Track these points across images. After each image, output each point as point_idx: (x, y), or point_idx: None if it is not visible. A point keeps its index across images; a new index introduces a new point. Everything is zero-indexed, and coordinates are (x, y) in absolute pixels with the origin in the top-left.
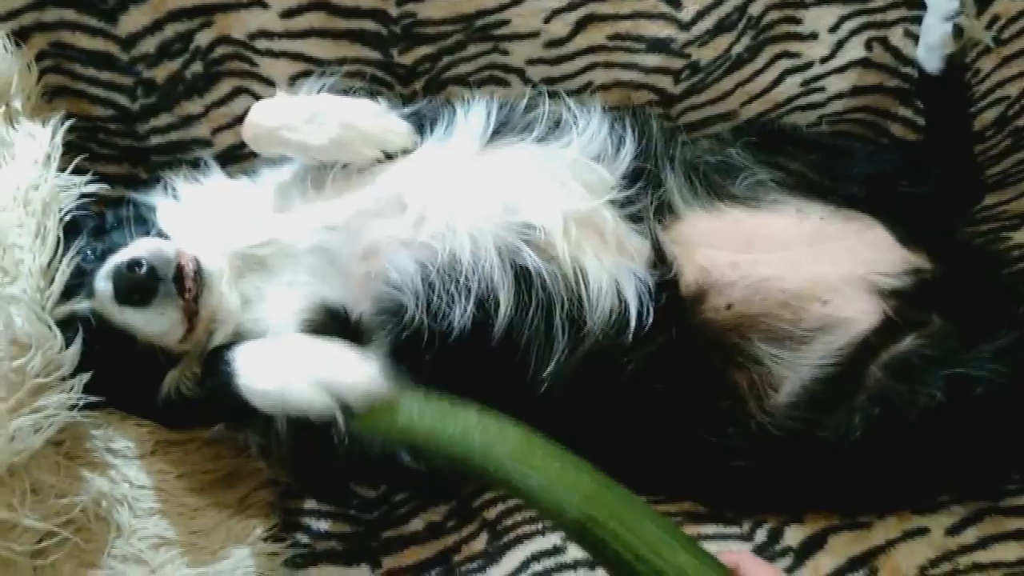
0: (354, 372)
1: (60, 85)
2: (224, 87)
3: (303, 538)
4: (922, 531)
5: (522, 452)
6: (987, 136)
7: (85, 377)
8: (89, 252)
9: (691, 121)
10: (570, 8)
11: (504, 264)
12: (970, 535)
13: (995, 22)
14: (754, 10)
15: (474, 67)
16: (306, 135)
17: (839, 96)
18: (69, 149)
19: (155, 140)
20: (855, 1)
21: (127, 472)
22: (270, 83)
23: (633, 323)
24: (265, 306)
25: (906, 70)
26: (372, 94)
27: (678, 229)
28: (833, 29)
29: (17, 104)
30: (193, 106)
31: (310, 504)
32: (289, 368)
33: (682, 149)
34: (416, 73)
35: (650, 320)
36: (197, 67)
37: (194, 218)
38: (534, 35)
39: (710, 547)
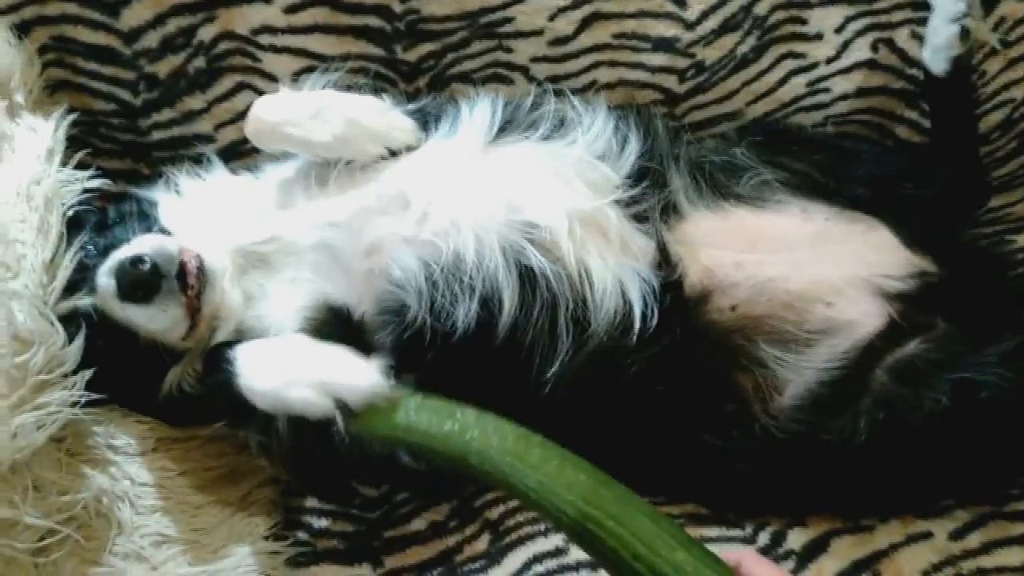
0: (355, 374)
1: (62, 79)
2: (227, 82)
3: (305, 536)
4: (925, 535)
5: (519, 451)
6: (992, 138)
7: (87, 374)
8: (91, 248)
9: (696, 120)
10: (575, 6)
11: (508, 263)
12: (974, 540)
13: (1001, 24)
14: (760, 10)
15: (478, 64)
16: (310, 131)
17: (844, 97)
18: (71, 144)
19: (157, 135)
20: (861, 2)
21: (128, 469)
22: (273, 79)
23: (637, 324)
24: (268, 303)
25: (912, 72)
26: (376, 91)
27: (683, 229)
28: (839, 30)
29: (19, 98)
30: (195, 101)
31: (312, 503)
32: (289, 369)
33: (687, 149)
34: (420, 70)
35: (654, 321)
36: (200, 62)
37: (197, 214)
38: (538, 33)
39: (712, 550)
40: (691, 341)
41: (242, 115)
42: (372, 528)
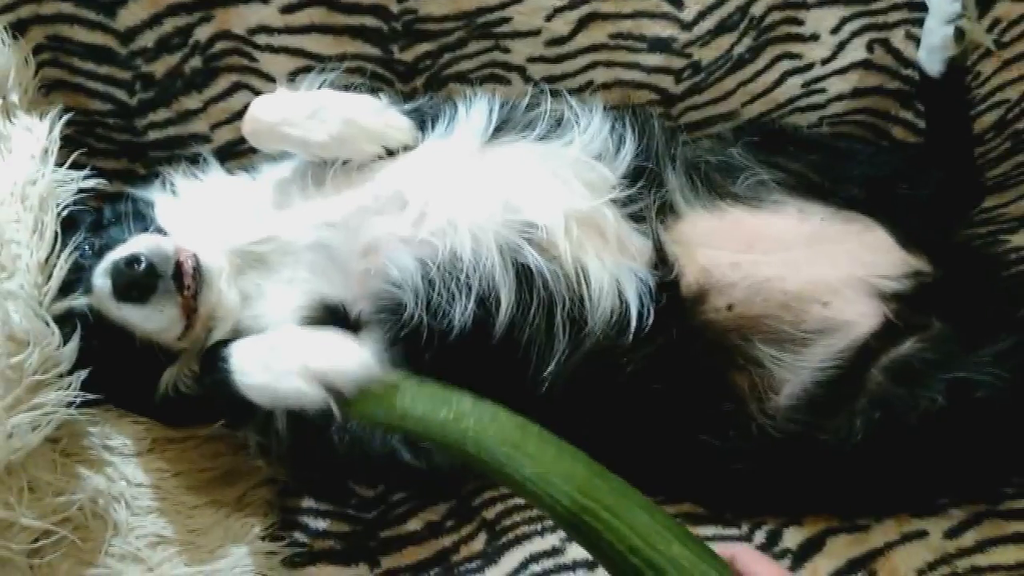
0: (343, 358)
1: (58, 79)
2: (223, 82)
3: (301, 537)
4: (921, 534)
5: (516, 440)
6: (987, 139)
7: (83, 374)
8: (87, 248)
9: (692, 121)
10: (571, 6)
11: (505, 262)
12: (969, 538)
13: (996, 25)
14: (756, 11)
15: (475, 64)
16: (307, 131)
17: (840, 98)
18: (67, 143)
19: (153, 135)
20: (857, 3)
21: (124, 470)
22: (270, 79)
23: (634, 324)
24: (264, 303)
25: (907, 72)
26: (372, 91)
27: (679, 229)
28: (835, 31)
29: (14, 98)
30: (192, 101)
31: (308, 503)
32: (280, 361)
33: (683, 149)
34: (417, 70)
35: (650, 321)
36: (196, 62)
37: (193, 214)
38: (535, 33)
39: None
40: (687, 341)
41: (238, 115)
42: (369, 528)
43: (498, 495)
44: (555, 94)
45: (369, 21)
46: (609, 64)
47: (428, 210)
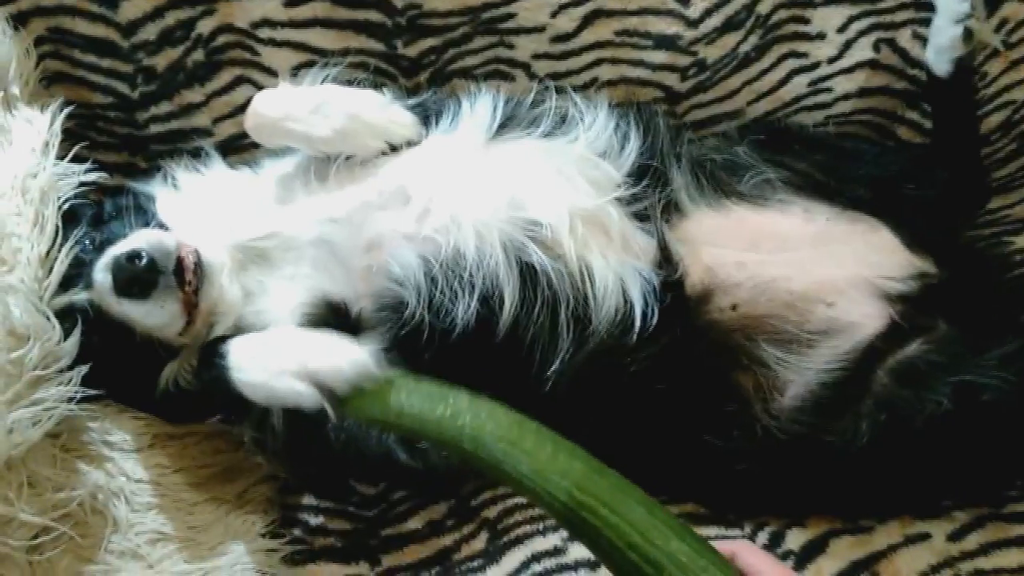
0: (338, 358)
1: (59, 71)
2: (226, 76)
3: (302, 534)
4: (924, 536)
5: (513, 436)
6: (992, 140)
7: (83, 369)
8: (88, 242)
9: (697, 119)
10: (577, 3)
11: (509, 260)
12: (972, 541)
13: (1003, 25)
14: (762, 9)
15: (479, 60)
16: (310, 126)
17: (846, 97)
18: (68, 137)
19: (155, 129)
20: (864, 2)
21: (124, 466)
22: (272, 73)
23: (638, 323)
24: (266, 299)
25: (913, 72)
26: (376, 86)
27: (684, 228)
28: (841, 29)
29: (15, 90)
30: (194, 95)
31: (309, 500)
32: (277, 360)
33: (688, 147)
34: (420, 65)
35: (655, 320)
36: (198, 55)
37: (194, 209)
38: (540, 29)
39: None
40: (692, 340)
41: (241, 109)
42: (369, 526)
43: (499, 494)
44: (560, 91)
45: (373, 16)
46: (614, 61)
47: (432, 206)
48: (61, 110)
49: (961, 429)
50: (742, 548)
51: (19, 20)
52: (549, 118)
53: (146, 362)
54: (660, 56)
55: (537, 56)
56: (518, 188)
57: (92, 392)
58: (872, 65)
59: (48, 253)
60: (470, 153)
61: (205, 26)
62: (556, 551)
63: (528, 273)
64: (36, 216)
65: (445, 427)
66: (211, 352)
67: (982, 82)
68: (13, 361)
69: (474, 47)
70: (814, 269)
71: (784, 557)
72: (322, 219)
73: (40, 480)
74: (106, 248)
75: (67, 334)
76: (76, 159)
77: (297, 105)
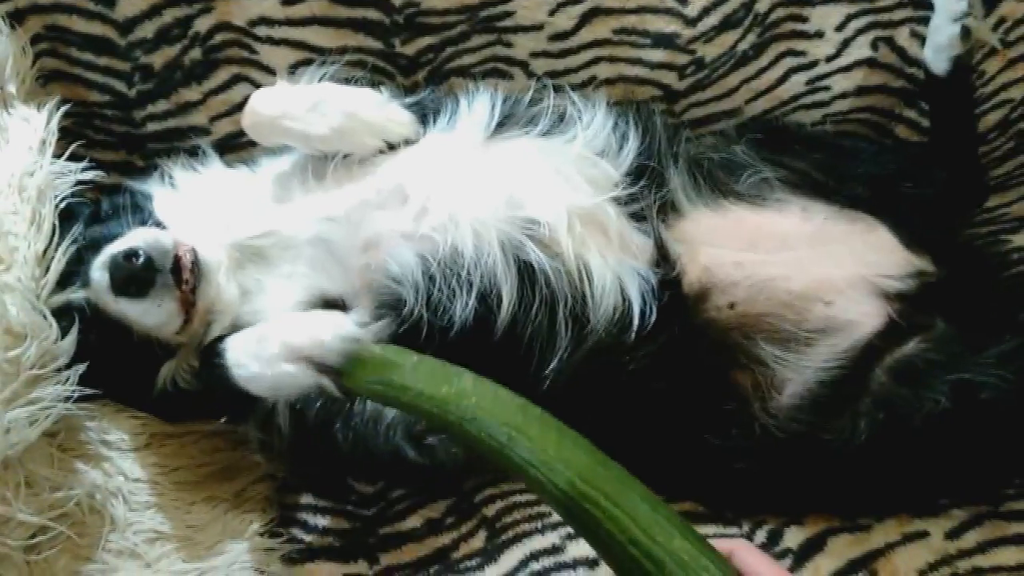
0: (318, 330)
1: (55, 69)
2: (223, 74)
3: (300, 533)
4: (922, 535)
5: (518, 421)
6: (990, 139)
7: (80, 368)
8: (85, 241)
9: (695, 117)
10: (575, 1)
11: (507, 259)
12: (970, 539)
13: (1001, 24)
14: (760, 7)
15: (477, 59)
16: (307, 124)
17: (844, 96)
18: (64, 135)
19: (152, 127)
20: (862, 0)
21: (122, 465)
22: (270, 71)
23: (636, 322)
24: (264, 298)
25: (911, 71)
26: (373, 84)
27: (682, 227)
28: (839, 28)
29: (11, 88)
30: (191, 93)
31: (307, 499)
32: (267, 347)
33: (686, 146)
34: (418, 64)
35: (653, 319)
36: (196, 53)
37: (192, 208)
38: (538, 28)
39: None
40: (690, 339)
41: (238, 107)
42: (368, 525)
43: (498, 492)
44: (557, 89)
45: (371, 14)
46: (612, 59)
47: (430, 205)
48: (58, 108)
49: (959, 427)
50: (740, 547)
51: (15, 18)
52: (547, 117)
53: (143, 361)
54: (658, 54)
55: (535, 54)
56: (516, 187)
57: (89, 391)
58: (870, 64)
59: (45, 252)
60: (468, 152)
61: (202, 24)
62: (555, 549)
63: (526, 272)
64: (33, 214)
65: (448, 407)
66: (210, 354)
67: (980, 80)
68: (10, 360)
69: (472, 45)
70: (812, 268)
71: (782, 555)
72: (319, 218)
73: (37, 479)
74: (103, 247)
75: (64, 333)
76: (73, 157)
77: (294, 103)
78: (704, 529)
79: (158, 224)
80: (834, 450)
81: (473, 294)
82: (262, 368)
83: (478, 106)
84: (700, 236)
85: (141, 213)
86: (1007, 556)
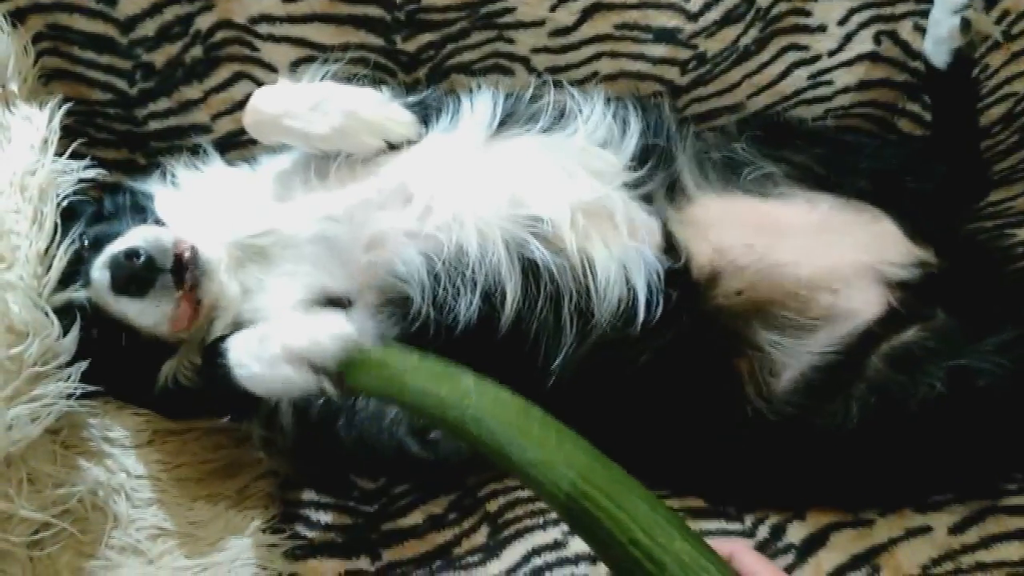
0: (317, 333)
1: (57, 68)
2: (224, 72)
3: (302, 530)
4: (925, 529)
5: (518, 422)
6: (993, 132)
7: (83, 365)
8: (86, 239)
9: (697, 113)
10: None
11: (511, 257)
12: (973, 534)
13: (1004, 17)
14: (762, 2)
15: (478, 55)
16: (308, 123)
17: (846, 90)
18: (66, 133)
19: (153, 125)
20: None
21: (124, 462)
22: (271, 69)
23: (642, 313)
24: (265, 296)
25: (914, 65)
26: (375, 81)
27: (691, 211)
28: (842, 22)
29: (13, 87)
30: (192, 91)
31: (309, 496)
32: (268, 348)
33: (692, 139)
34: (419, 60)
35: (659, 310)
36: (197, 51)
37: (193, 206)
38: (539, 23)
39: (711, 543)
40: (698, 328)
41: (240, 105)
42: (370, 521)
43: (501, 488)
44: (557, 85)
45: (372, 11)
46: (614, 55)
47: (433, 204)
48: (60, 107)
49: (955, 414)
50: (739, 550)
51: (17, 17)
52: (548, 113)
53: (145, 358)
54: (660, 50)
55: (536, 50)
56: (519, 185)
57: (91, 388)
58: (873, 58)
59: (47, 250)
60: (471, 151)
61: (204, 22)
62: (557, 544)
63: (530, 269)
64: (35, 213)
65: (449, 407)
66: (213, 353)
67: (983, 74)
68: (12, 357)
69: (473, 42)
70: (820, 256)
71: (785, 550)
72: (321, 216)
73: (40, 476)
74: (104, 245)
75: (66, 330)
76: (75, 156)
77: (296, 102)
78: (707, 525)
79: (159, 223)
80: (827, 435)
81: (478, 292)
82: (263, 369)
83: (480, 105)
84: (709, 219)
85: (143, 212)
86: (1010, 551)
